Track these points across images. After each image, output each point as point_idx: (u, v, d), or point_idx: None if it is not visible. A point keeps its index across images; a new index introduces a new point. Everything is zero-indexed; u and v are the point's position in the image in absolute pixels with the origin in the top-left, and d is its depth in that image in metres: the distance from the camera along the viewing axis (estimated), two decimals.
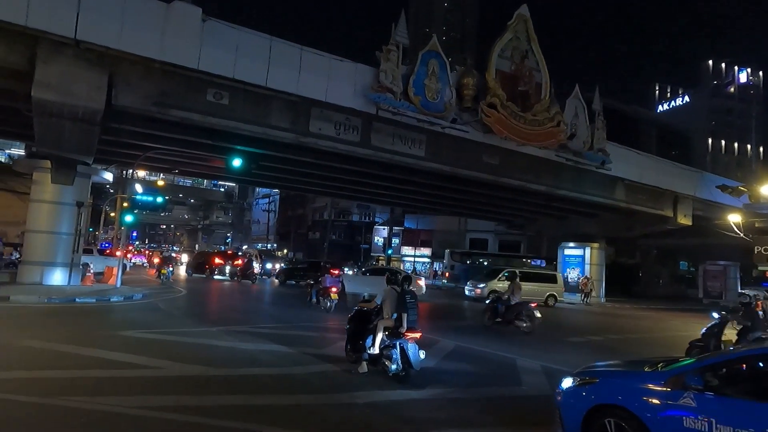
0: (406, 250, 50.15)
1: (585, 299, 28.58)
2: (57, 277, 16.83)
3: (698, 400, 3.82)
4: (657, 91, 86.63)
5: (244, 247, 67.98)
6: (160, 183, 54.25)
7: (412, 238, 49.96)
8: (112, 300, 15.39)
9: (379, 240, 52.99)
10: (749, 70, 79.46)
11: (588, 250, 31.38)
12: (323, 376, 7.52)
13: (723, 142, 76.64)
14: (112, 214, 39.78)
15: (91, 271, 19.92)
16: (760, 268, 23.51)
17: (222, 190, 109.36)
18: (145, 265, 38.10)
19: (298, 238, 64.83)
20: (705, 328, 10.15)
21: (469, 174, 20.38)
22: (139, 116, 14.77)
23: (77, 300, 14.57)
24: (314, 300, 16.69)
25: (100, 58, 13.29)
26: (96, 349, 8.22)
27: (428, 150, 18.71)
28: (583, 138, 22.09)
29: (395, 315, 7.49)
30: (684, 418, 3.84)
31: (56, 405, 5.38)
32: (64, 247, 17.04)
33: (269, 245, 67.28)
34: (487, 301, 15.35)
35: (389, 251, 47.94)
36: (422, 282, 25.17)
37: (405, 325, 7.32)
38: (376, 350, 7.59)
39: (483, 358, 9.69)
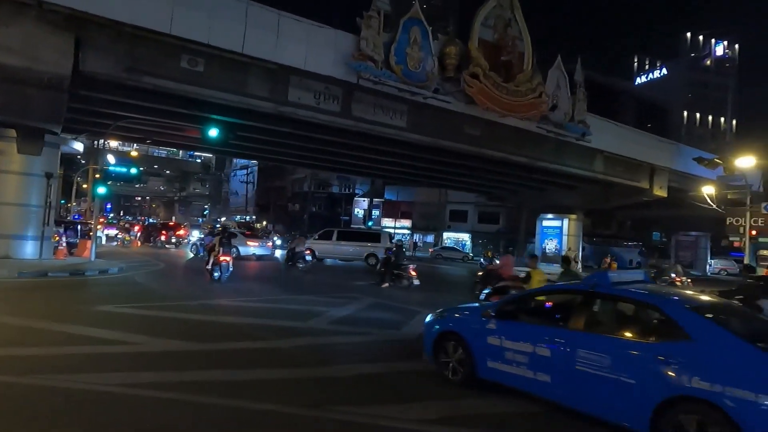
0: (387, 221, 50.21)
1: None
2: (28, 251, 16.34)
3: (497, 325, 5.70)
4: (636, 64, 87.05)
5: (222, 218, 67.23)
6: (134, 154, 52.81)
7: (392, 210, 50.02)
8: (87, 274, 15.03)
9: (359, 212, 52.93)
10: (726, 43, 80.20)
11: (566, 222, 31.87)
12: (309, 350, 7.47)
13: (698, 115, 77.85)
14: (84, 186, 38.75)
15: (64, 244, 19.39)
16: (731, 238, 24.20)
17: (199, 161, 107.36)
18: (118, 237, 37.67)
19: (277, 209, 64.30)
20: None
21: (450, 145, 20.25)
22: (109, 83, 14.14)
23: (50, 274, 14.18)
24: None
25: (65, 20, 12.59)
26: (72, 325, 8.00)
27: (410, 121, 18.47)
28: (564, 109, 22.07)
29: (220, 249, 14.63)
30: (488, 334, 5.70)
31: (33, 384, 5.20)
32: (35, 220, 16.49)
33: (248, 217, 66.62)
34: (287, 252, 22.85)
35: (369, 223, 47.97)
36: (254, 242, 26.65)
37: (221, 253, 14.50)
38: (209, 267, 14.78)
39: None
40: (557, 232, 32.49)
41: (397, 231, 49.04)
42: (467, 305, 7.15)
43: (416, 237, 48.77)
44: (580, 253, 31.70)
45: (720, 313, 4.91)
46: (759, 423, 3.74)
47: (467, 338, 5.88)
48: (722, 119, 78.93)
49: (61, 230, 20.59)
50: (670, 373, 4.27)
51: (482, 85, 18.76)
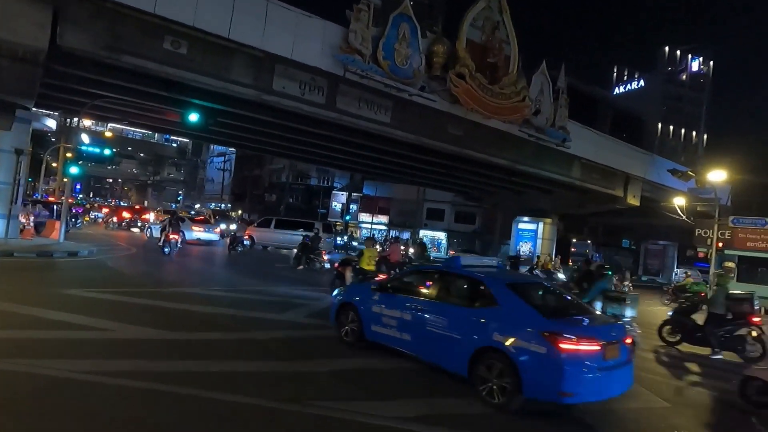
0: (364, 216, 50.09)
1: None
2: None
3: (380, 296, 7.12)
4: (615, 74, 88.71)
5: (197, 205, 66.03)
6: (108, 134, 50.97)
7: (370, 205, 49.87)
8: (55, 256, 14.55)
9: (337, 205, 52.61)
10: (701, 58, 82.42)
11: (541, 225, 32.30)
12: (284, 342, 7.40)
13: (671, 128, 79.85)
14: (54, 164, 37.53)
15: (31, 223, 18.75)
16: (698, 249, 24.95)
17: (174, 145, 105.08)
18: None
19: (253, 199, 63.46)
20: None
21: (433, 144, 20.24)
22: (87, 60, 13.63)
23: (16, 255, 13.68)
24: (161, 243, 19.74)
25: None
26: (39, 308, 7.73)
27: (394, 117, 18.38)
28: (546, 115, 22.28)
29: (169, 229, 18.20)
30: (373, 304, 7.08)
31: None
32: (2, 198, 15.88)
33: (223, 205, 65.61)
34: (230, 236, 24.14)
35: (347, 217, 47.74)
36: (199, 228, 26.96)
37: (170, 232, 17.94)
38: (161, 243, 18.47)
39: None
40: (532, 235, 32.91)
41: (374, 227, 49.07)
42: (366, 283, 8.99)
43: (393, 233, 48.73)
44: (553, 257, 32.03)
45: (526, 289, 6.32)
46: (526, 362, 5.18)
47: (359, 308, 7.28)
48: (694, 133, 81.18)
49: (37, 210, 19.94)
50: (482, 330, 5.71)
51: (468, 86, 18.80)
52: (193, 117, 16.62)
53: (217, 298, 10.65)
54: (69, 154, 23.48)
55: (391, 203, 49.20)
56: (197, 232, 26.01)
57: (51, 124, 20.94)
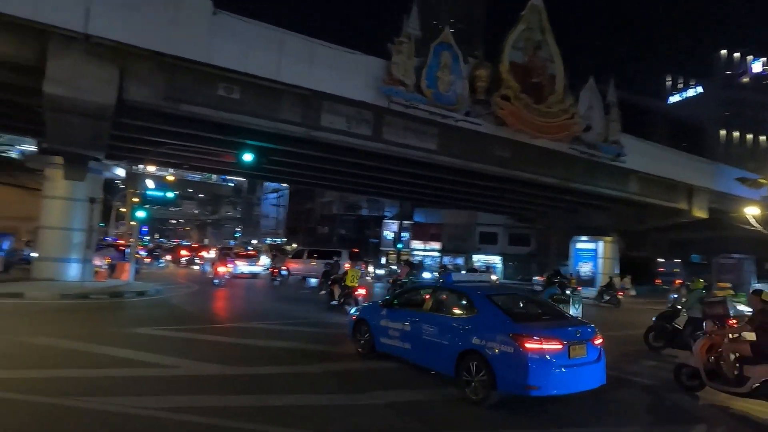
0: (416, 244, 49.91)
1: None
2: (71, 273, 16.87)
3: (387, 311, 8.11)
4: (669, 83, 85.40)
5: (254, 241, 68.19)
6: (170, 178, 54.15)
7: (421, 233, 49.68)
8: (126, 296, 15.38)
9: (388, 234, 52.78)
10: (764, 59, 77.98)
11: (601, 244, 30.99)
12: (341, 375, 7.41)
13: (736, 134, 75.40)
14: (123, 209, 39.98)
15: (104, 266, 19.95)
16: None
17: (231, 185, 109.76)
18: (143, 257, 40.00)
19: (307, 232, 64.83)
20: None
21: (480, 167, 20.10)
22: (149, 111, 14.64)
23: (91, 296, 14.57)
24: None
25: (110, 52, 13.16)
26: (110, 346, 8.16)
27: (440, 143, 18.45)
28: (597, 130, 21.67)
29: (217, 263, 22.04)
30: (381, 319, 8.08)
31: (70, 406, 5.30)
32: (78, 244, 17.07)
33: (279, 240, 67.43)
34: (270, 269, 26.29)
35: (399, 245, 47.74)
36: (243, 262, 29.33)
37: (218, 266, 21.87)
38: (211, 276, 21.80)
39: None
40: (592, 255, 31.59)
41: (427, 254, 48.78)
42: (375, 301, 9.72)
43: (446, 260, 48.20)
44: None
45: (503, 298, 7.17)
46: (498, 361, 5.94)
47: (370, 323, 8.30)
48: (763, 138, 76.22)
49: (112, 253, 21.34)
50: (465, 335, 6.51)
51: (513, 107, 18.65)
52: (248, 157, 17.38)
53: (274, 331, 10.85)
54: (135, 199, 25.05)
55: (443, 229, 48.81)
56: (242, 266, 28.32)
57: (120, 172, 22.52)
